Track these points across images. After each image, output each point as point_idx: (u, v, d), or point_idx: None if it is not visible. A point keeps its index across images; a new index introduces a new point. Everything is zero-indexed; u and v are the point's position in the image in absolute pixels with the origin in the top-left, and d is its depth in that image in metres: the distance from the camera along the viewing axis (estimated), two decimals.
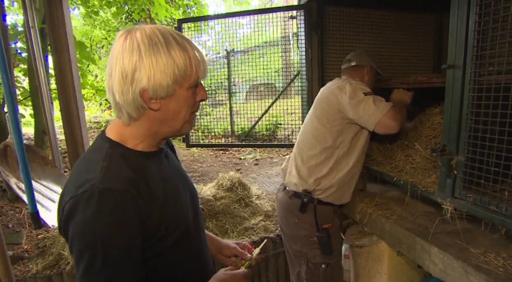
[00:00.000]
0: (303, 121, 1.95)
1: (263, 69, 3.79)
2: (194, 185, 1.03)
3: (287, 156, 2.06)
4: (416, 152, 1.66)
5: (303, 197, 1.64)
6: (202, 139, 4.96)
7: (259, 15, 2.45)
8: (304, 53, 2.23)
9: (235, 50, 4.88)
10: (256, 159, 3.93)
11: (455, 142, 1.33)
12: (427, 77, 1.71)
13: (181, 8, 4.77)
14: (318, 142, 1.65)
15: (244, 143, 3.24)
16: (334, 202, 1.68)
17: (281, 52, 3.61)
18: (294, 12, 2.27)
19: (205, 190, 2.88)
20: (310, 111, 1.82)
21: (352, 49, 2.26)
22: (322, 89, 1.79)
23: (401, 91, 1.79)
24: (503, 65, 1.15)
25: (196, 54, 0.78)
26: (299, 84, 2.45)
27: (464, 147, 1.29)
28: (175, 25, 2.78)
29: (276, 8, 2.27)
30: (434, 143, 1.59)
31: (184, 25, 2.58)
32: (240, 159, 4.02)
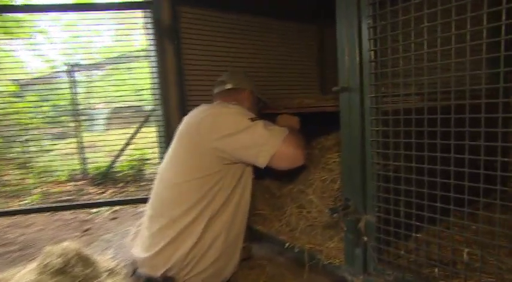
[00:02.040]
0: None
1: (129, 88, 3.16)
2: None
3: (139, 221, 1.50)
4: (311, 204, 1.33)
5: None
6: (37, 187, 3.84)
7: (91, 12, 1.85)
8: (155, 70, 1.74)
9: (81, 63, 4.04)
10: (114, 211, 3.16)
11: (361, 195, 1.02)
12: (315, 99, 1.44)
13: None
14: (185, 196, 1.23)
15: (79, 203, 2.46)
16: (213, 280, 1.27)
17: (148, 66, 3.00)
18: (139, 13, 1.77)
19: (18, 280, 2.00)
20: (170, 151, 1.36)
21: (223, 65, 1.92)
22: (186, 120, 1.38)
23: (286, 116, 1.58)
24: (411, 86, 0.90)
25: None
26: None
27: (373, 202, 0.99)
28: None
29: (107, 4, 1.72)
30: (332, 189, 1.29)
31: None
32: (90, 213, 3.18)
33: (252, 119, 1.23)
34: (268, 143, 1.17)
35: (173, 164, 1.31)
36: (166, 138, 1.74)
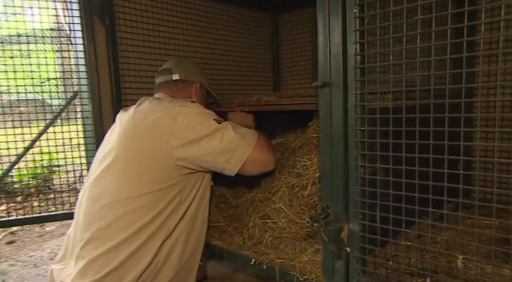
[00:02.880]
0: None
1: (28, 76, 2.75)
2: None
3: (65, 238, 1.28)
4: (278, 212, 1.30)
5: None
6: None
7: None
8: (81, 55, 1.54)
9: None
10: (12, 233, 2.73)
11: (343, 202, 1.01)
12: (275, 97, 1.43)
13: None
14: (138, 214, 1.10)
15: None
16: None
17: (56, 50, 2.64)
18: None
19: None
20: (107, 158, 1.20)
21: (166, 54, 1.79)
22: (126, 119, 1.24)
23: (239, 114, 1.56)
24: (401, 83, 0.91)
25: None
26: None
27: (357, 209, 0.99)
28: None
29: None
30: (302, 197, 1.27)
31: None
32: None
33: (218, 121, 1.18)
34: (239, 148, 1.14)
35: (116, 175, 1.15)
36: (96, 139, 1.55)
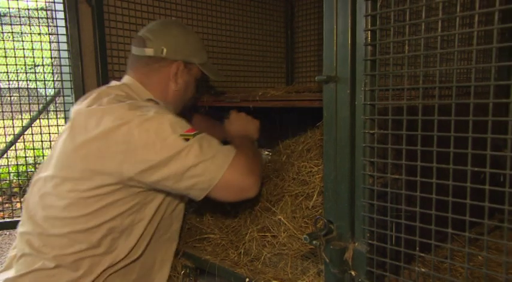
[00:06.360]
0: None
1: (20, 62, 2.83)
2: None
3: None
4: (278, 225, 1.29)
5: None
6: None
7: None
8: (64, 40, 1.57)
9: None
10: None
11: (348, 217, 0.99)
12: (284, 91, 1.41)
13: None
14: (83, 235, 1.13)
15: None
16: None
17: (48, 33, 2.70)
18: None
19: None
20: (49, 159, 1.23)
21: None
22: (79, 120, 1.16)
23: (244, 117, 1.49)
24: (419, 78, 0.88)
25: None
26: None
27: (364, 227, 0.96)
28: None
29: None
30: (306, 208, 1.26)
31: None
32: None
33: (186, 135, 1.09)
34: (206, 173, 1.09)
35: (52, 188, 1.14)
36: None
